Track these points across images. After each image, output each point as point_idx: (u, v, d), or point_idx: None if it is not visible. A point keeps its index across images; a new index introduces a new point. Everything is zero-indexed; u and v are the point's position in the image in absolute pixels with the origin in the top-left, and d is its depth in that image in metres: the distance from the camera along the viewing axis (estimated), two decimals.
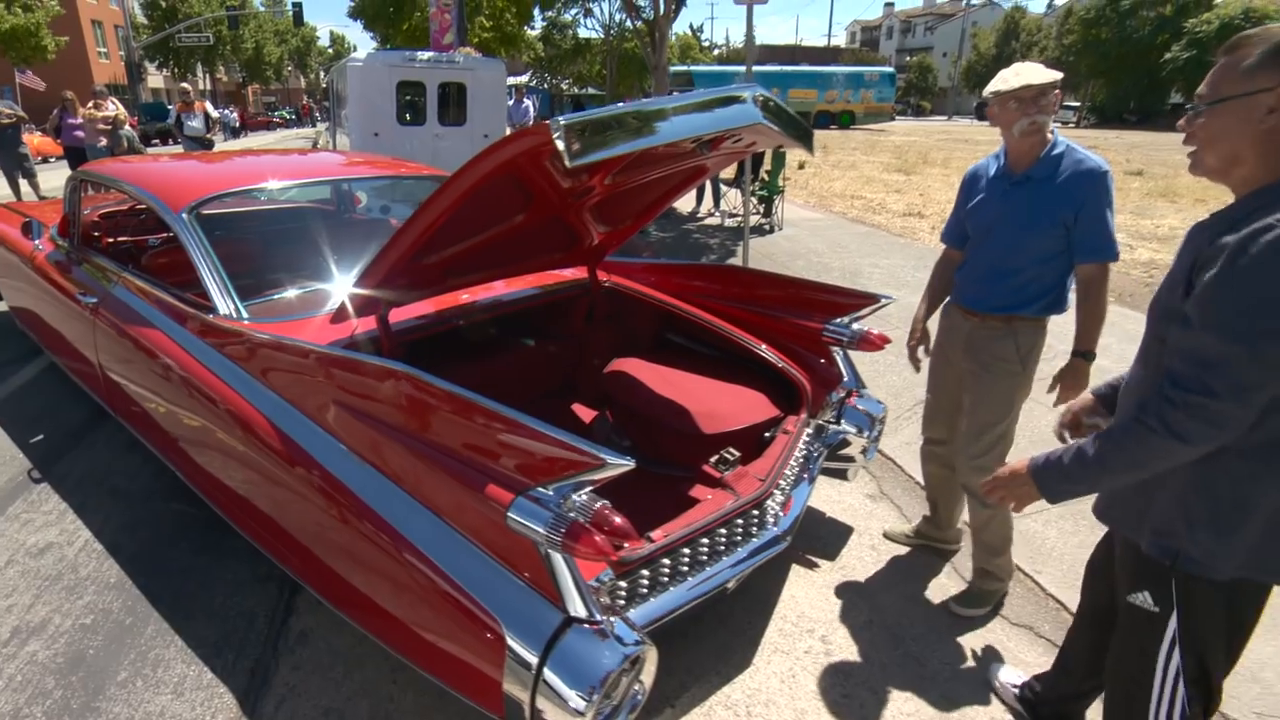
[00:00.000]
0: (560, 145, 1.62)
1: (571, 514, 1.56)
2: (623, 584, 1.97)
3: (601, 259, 3.38)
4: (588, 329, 3.51)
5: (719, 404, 2.85)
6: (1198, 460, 1.38)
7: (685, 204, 11.06)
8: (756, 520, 2.33)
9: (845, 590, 2.78)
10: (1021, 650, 2.51)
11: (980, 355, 2.52)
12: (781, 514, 2.44)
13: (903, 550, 3.03)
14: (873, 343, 2.89)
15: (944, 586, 2.82)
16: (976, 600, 2.68)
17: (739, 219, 9.44)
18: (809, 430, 2.86)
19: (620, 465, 1.51)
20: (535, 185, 2.30)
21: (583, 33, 33.87)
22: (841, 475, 3.05)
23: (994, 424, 2.51)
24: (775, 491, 2.45)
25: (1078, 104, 45.69)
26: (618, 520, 1.58)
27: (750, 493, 2.33)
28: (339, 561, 2.05)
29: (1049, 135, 2.32)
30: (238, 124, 36.99)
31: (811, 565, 2.92)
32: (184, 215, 2.95)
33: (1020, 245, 2.38)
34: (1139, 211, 10.97)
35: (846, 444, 2.95)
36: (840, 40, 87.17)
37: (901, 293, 6.43)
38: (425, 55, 9.75)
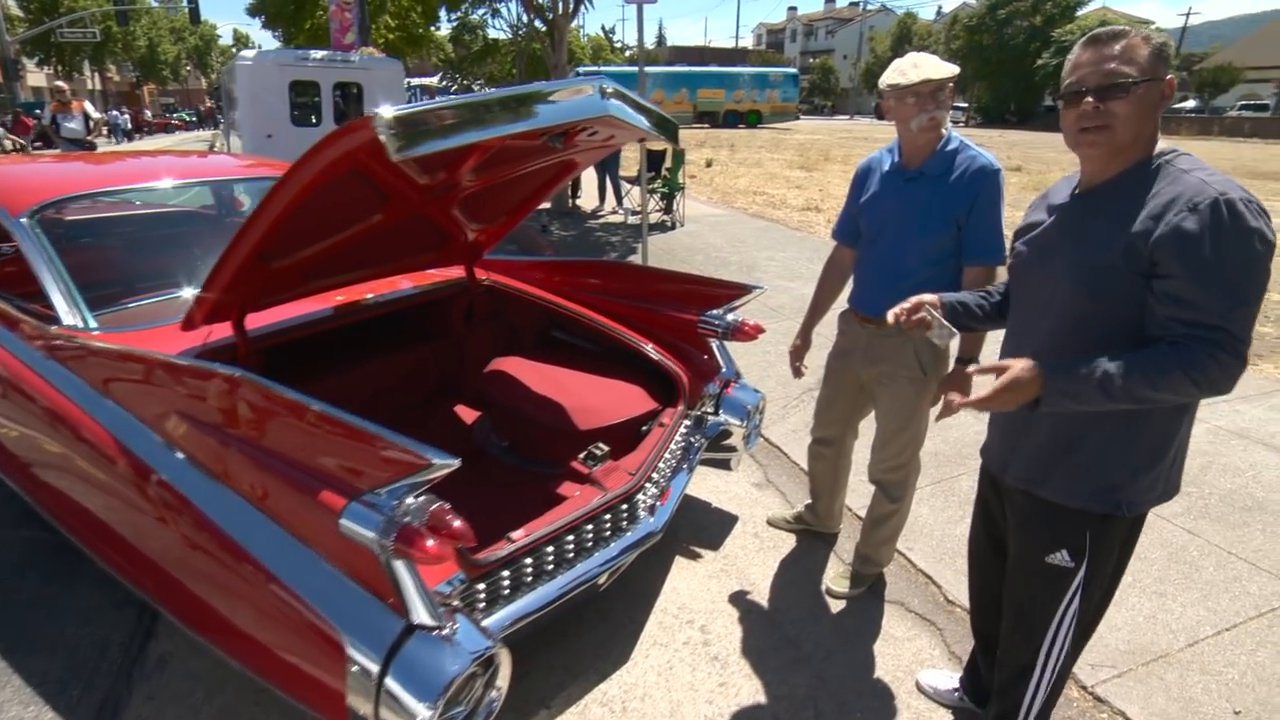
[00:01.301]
0: (384, 138, 1.55)
1: (405, 518, 1.49)
2: (481, 586, 1.90)
3: (479, 257, 3.29)
4: (468, 329, 3.42)
5: (596, 400, 2.81)
6: (1129, 415, 1.47)
7: (588, 201, 11.01)
8: (627, 515, 2.30)
9: (727, 579, 2.78)
10: (892, 626, 2.56)
11: (881, 364, 2.46)
12: (658, 506, 2.43)
13: (786, 536, 3.06)
14: (746, 333, 2.91)
15: (824, 571, 2.85)
16: (854, 581, 2.72)
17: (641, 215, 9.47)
18: (687, 422, 2.84)
19: (446, 465, 1.45)
20: (387, 184, 2.21)
21: (493, 33, 33.35)
22: (725, 465, 3.05)
23: (901, 430, 2.50)
24: (647, 485, 2.41)
25: (965, 104, 47.84)
26: (456, 523, 1.52)
27: (619, 487, 2.30)
28: (189, 579, 1.91)
29: (944, 131, 2.28)
30: (130, 126, 34.81)
31: (694, 556, 2.91)
32: (23, 220, 2.72)
33: (913, 245, 2.33)
34: (1016, 204, 11.50)
35: (728, 434, 2.95)
36: (747, 42, 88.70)
37: (795, 284, 6.56)
38: (319, 54, 9.38)
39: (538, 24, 10.08)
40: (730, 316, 2.94)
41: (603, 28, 61.92)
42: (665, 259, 7.45)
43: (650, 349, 2.96)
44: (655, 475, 2.49)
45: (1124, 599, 2.60)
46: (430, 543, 1.46)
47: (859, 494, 3.02)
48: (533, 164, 2.60)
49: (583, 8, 9.81)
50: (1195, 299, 1.33)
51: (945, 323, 1.71)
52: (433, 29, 29.42)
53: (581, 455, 2.46)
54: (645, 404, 2.81)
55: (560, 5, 9.26)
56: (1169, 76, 1.41)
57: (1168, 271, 1.35)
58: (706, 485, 3.38)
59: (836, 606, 2.65)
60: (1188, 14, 53.71)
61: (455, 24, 36.44)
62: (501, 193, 2.84)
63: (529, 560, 2.02)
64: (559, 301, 3.23)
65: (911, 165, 2.32)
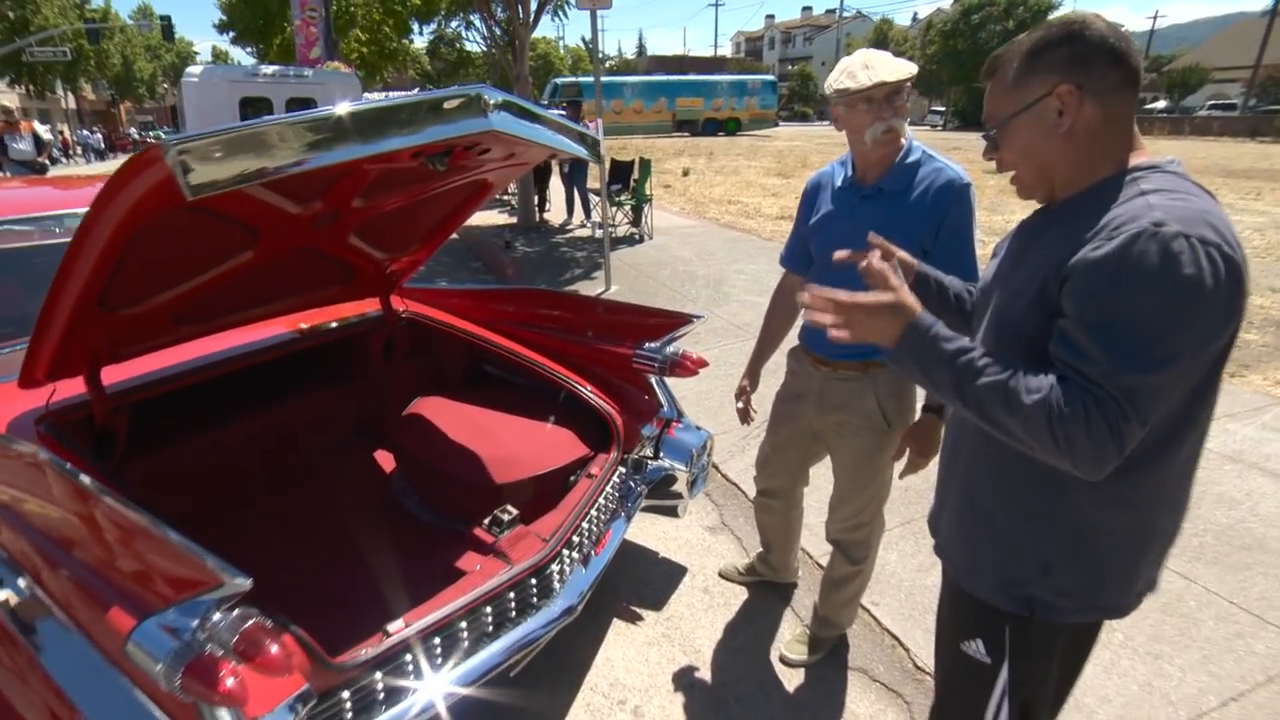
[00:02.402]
0: (176, 175, 1.22)
1: (206, 644, 1.17)
2: (346, 695, 1.57)
3: (395, 287, 2.97)
4: (389, 366, 3.10)
5: (519, 447, 2.50)
6: (1045, 496, 1.18)
7: (557, 215, 10.68)
8: (538, 590, 1.97)
9: (669, 646, 2.46)
10: (855, 699, 2.25)
11: (837, 412, 2.13)
12: (581, 572, 2.11)
13: (739, 590, 2.74)
14: (687, 368, 2.60)
15: (778, 631, 2.54)
16: (812, 647, 2.41)
17: (612, 230, 9.14)
18: (622, 469, 2.53)
19: (238, 586, 1.12)
20: (245, 215, 1.88)
21: (470, 46, 33.04)
22: (671, 513, 2.72)
23: (863, 487, 2.18)
24: (566, 552, 2.10)
25: (943, 109, 47.92)
26: (273, 649, 1.20)
27: (529, 558, 1.98)
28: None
29: (903, 140, 1.95)
30: (103, 145, 34.20)
31: (634, 618, 2.59)
32: None
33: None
34: (993, 208, 11.27)
35: (672, 480, 2.63)
36: (726, 50, 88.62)
37: (763, 299, 6.19)
38: (270, 69, 9.04)
39: (490, 31, 9.74)
40: (669, 349, 2.63)
41: (583, 39, 61.72)
42: (630, 274, 7.14)
43: (582, 387, 2.64)
44: (577, 538, 2.17)
45: (1116, 663, 2.30)
46: (230, 682, 1.14)
47: (818, 536, 2.70)
48: (435, 187, 2.29)
49: (557, 19, 9.49)
50: (1085, 347, 1.01)
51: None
52: (407, 42, 29.11)
53: (486, 521, 2.14)
54: (573, 451, 2.50)
55: (519, 15, 8.94)
56: (1060, 86, 1.09)
57: (1066, 307, 1.05)
58: (654, 531, 3.06)
59: (792, 677, 2.34)
60: (1155, 16, 54.77)
61: (432, 37, 36.27)
62: (408, 218, 2.52)
63: (410, 657, 1.69)
64: (483, 335, 2.91)
65: (867, 181, 2.00)
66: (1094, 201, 1.10)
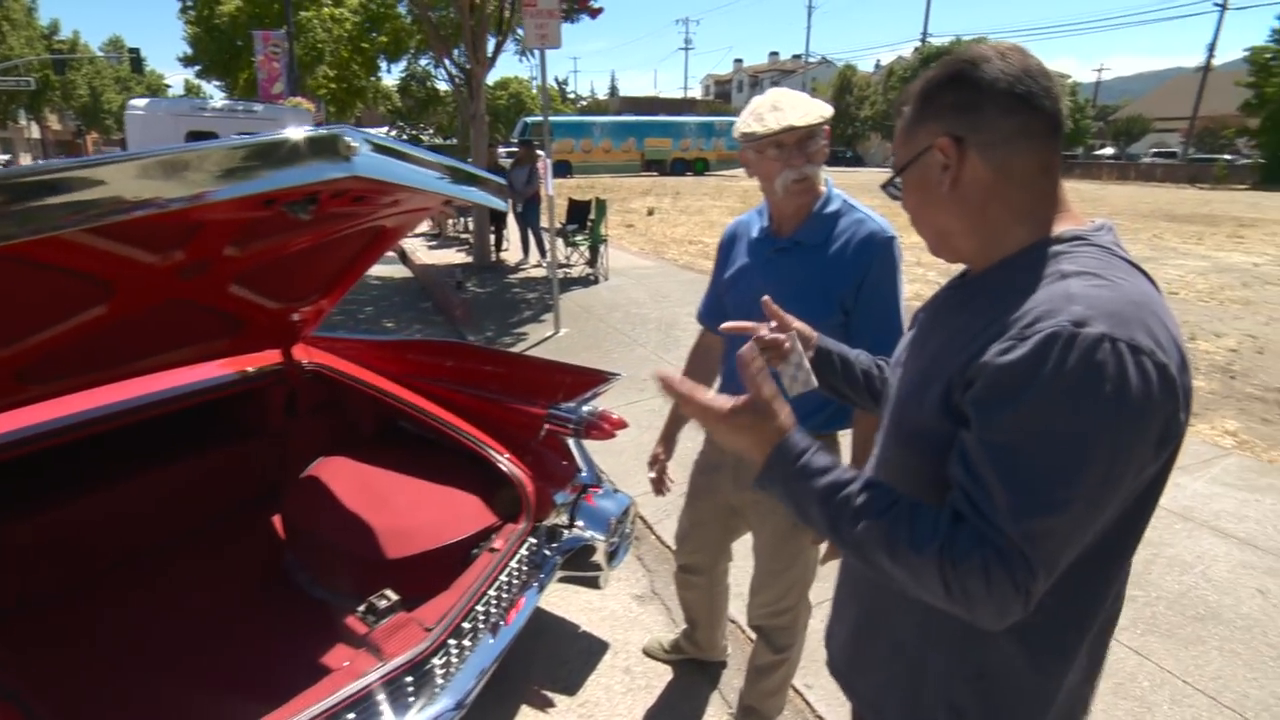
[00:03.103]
0: None
1: None
2: None
3: (300, 338, 2.73)
4: (291, 423, 2.84)
5: (419, 517, 2.26)
6: (964, 642, 0.95)
7: (514, 254, 10.48)
8: (413, 689, 1.72)
9: None
10: None
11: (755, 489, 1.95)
12: (473, 661, 1.86)
13: (664, 670, 2.50)
14: (604, 430, 2.38)
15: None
16: None
17: (566, 270, 8.97)
18: (534, 540, 2.30)
19: None
20: (85, 266, 1.65)
21: (441, 84, 32.99)
22: (592, 584, 2.48)
23: (783, 571, 1.96)
24: (452, 641, 1.85)
25: None
26: None
27: (405, 651, 1.73)
28: None
29: (821, 188, 1.77)
30: None
31: (545, 705, 2.33)
32: None
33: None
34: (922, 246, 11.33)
35: (591, 550, 2.40)
36: (696, 93, 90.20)
37: None
38: (218, 103, 8.82)
39: (444, 69, 9.66)
40: (585, 409, 2.42)
41: (556, 79, 62.48)
42: (581, 316, 6.94)
43: (493, 450, 2.41)
44: (469, 624, 1.93)
45: None
46: None
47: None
48: (326, 234, 2.08)
49: (526, 59, 9.40)
50: (984, 474, 0.80)
51: (808, 368, 1.20)
52: (376, 79, 28.98)
53: (361, 609, 1.89)
54: (478, 521, 2.27)
55: (475, 55, 8.83)
56: (941, 138, 0.91)
57: (968, 416, 0.85)
58: (578, 602, 2.81)
59: None
60: (1100, 70, 57.35)
61: (404, 74, 36.26)
62: (302, 266, 2.30)
63: None
64: (393, 390, 2.67)
65: (783, 232, 1.81)
66: (1007, 280, 0.90)
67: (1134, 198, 23.80)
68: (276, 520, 2.66)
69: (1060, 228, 0.92)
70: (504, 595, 2.09)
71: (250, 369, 2.65)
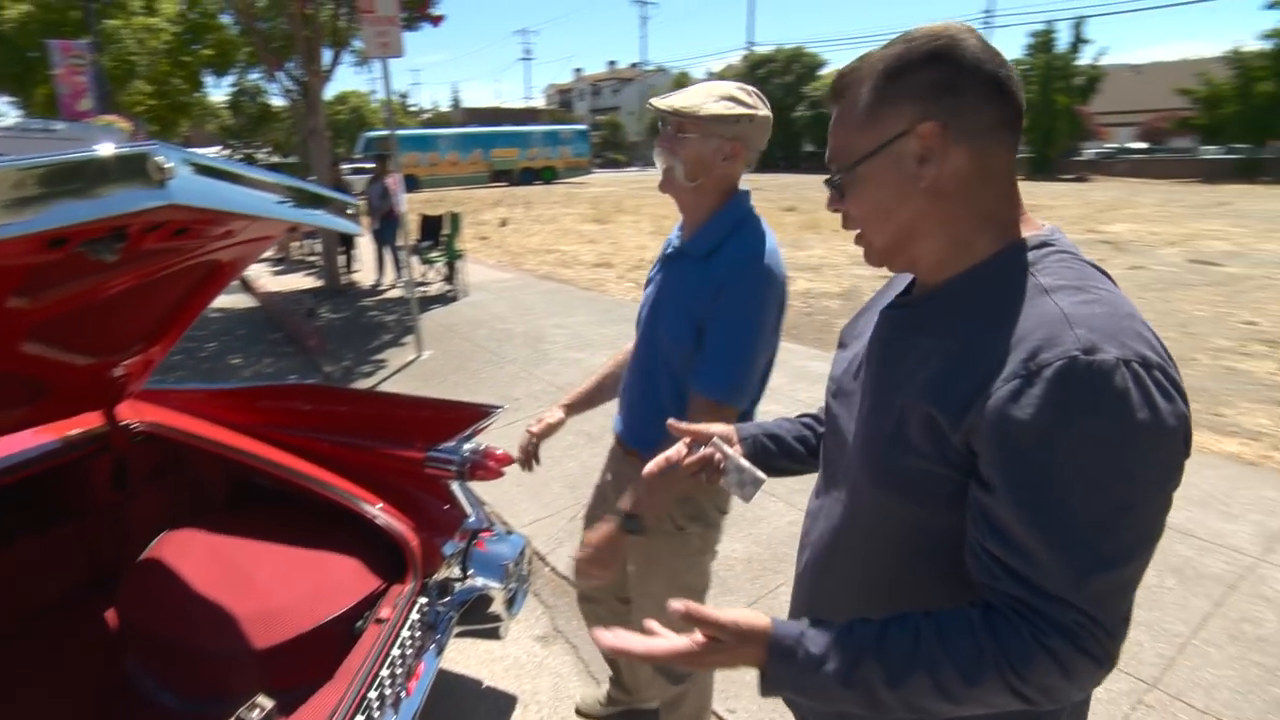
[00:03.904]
0: None
1: None
2: None
3: (125, 396, 2.30)
4: (124, 495, 2.40)
5: (290, 593, 1.93)
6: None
7: (367, 275, 9.83)
8: None
9: None
10: None
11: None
12: None
13: None
14: (490, 469, 2.15)
15: None
16: None
17: (423, 288, 8.50)
18: (424, 600, 2.03)
19: None
20: None
21: (276, 101, 30.60)
22: (492, 635, 2.24)
23: (652, 597, 1.79)
24: None
25: None
26: None
27: None
28: None
29: (732, 196, 1.57)
30: None
31: None
32: None
33: (661, 352, 1.63)
34: (795, 244, 11.79)
35: (488, 600, 2.17)
36: (539, 102, 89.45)
37: (585, 354, 5.92)
38: (8, 122, 7.65)
39: (278, 83, 8.88)
40: (467, 448, 2.17)
41: (397, 92, 60.04)
42: (444, 336, 6.56)
43: (368, 504, 2.12)
44: (363, 715, 1.65)
45: None
46: None
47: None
48: (146, 274, 1.73)
49: (363, 71, 8.76)
50: (1026, 543, 0.70)
51: (748, 466, 1.04)
52: (202, 94, 26.53)
53: None
54: (359, 588, 1.97)
55: (311, 67, 8.17)
56: (923, 123, 0.78)
57: (988, 480, 0.73)
58: (476, 653, 2.55)
59: None
60: None
61: (233, 89, 33.35)
62: (119, 313, 1.91)
63: None
64: (245, 446, 2.30)
65: (686, 235, 1.62)
66: (977, 294, 0.80)
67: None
68: (112, 615, 2.23)
69: (1024, 232, 0.82)
70: (398, 669, 1.83)
71: (55, 440, 2.21)
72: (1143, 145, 35.33)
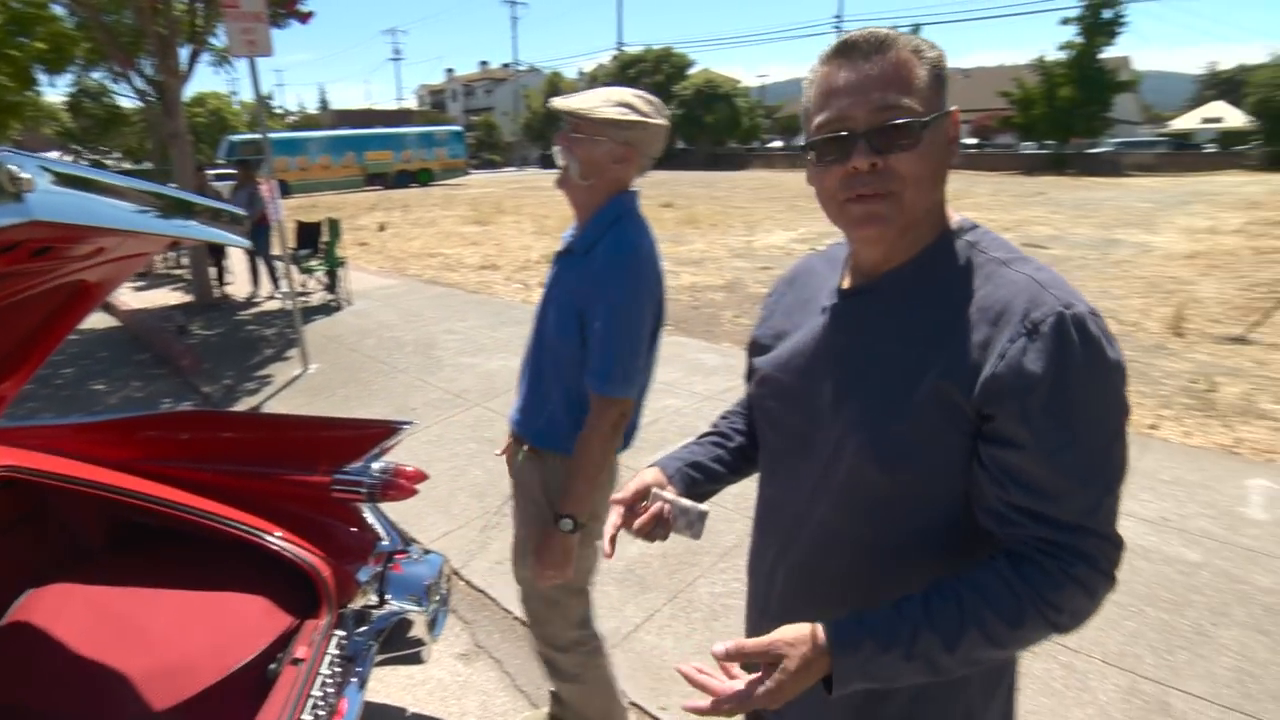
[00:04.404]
0: None
1: None
2: None
3: None
4: None
5: (191, 643, 1.73)
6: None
7: (241, 288, 9.12)
8: None
9: None
10: None
11: (522, 496, 1.80)
12: None
13: None
14: (402, 488, 2.02)
15: None
16: None
17: (305, 299, 7.97)
18: (341, 634, 1.88)
19: None
20: None
21: (122, 101, 27.64)
22: (414, 660, 2.10)
23: (531, 588, 1.81)
24: None
25: None
26: None
27: None
28: None
29: (599, 195, 1.57)
30: None
31: None
32: None
33: (546, 342, 1.65)
34: (675, 239, 11.92)
35: (408, 624, 2.03)
36: (411, 103, 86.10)
37: (480, 359, 5.73)
38: None
39: (141, 86, 8.02)
40: (376, 468, 2.02)
41: (259, 93, 56.50)
42: (330, 348, 6.17)
43: (272, 536, 1.93)
44: None
45: None
46: None
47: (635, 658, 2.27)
48: None
49: (224, 71, 8.01)
50: (1049, 484, 0.77)
51: (689, 504, 1.01)
52: (35, 94, 23.62)
53: None
54: (269, 629, 1.79)
55: (168, 65, 7.42)
56: (953, 107, 0.86)
57: (1010, 437, 0.78)
58: (395, 679, 2.40)
59: None
60: (763, 76, 65.54)
61: (73, 89, 29.83)
62: None
63: None
64: (125, 484, 2.05)
65: (575, 233, 1.64)
66: (939, 272, 0.87)
67: (797, 181, 26.89)
68: None
69: (953, 218, 0.91)
70: (320, 711, 1.68)
71: None
72: (974, 141, 38.23)
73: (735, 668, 0.84)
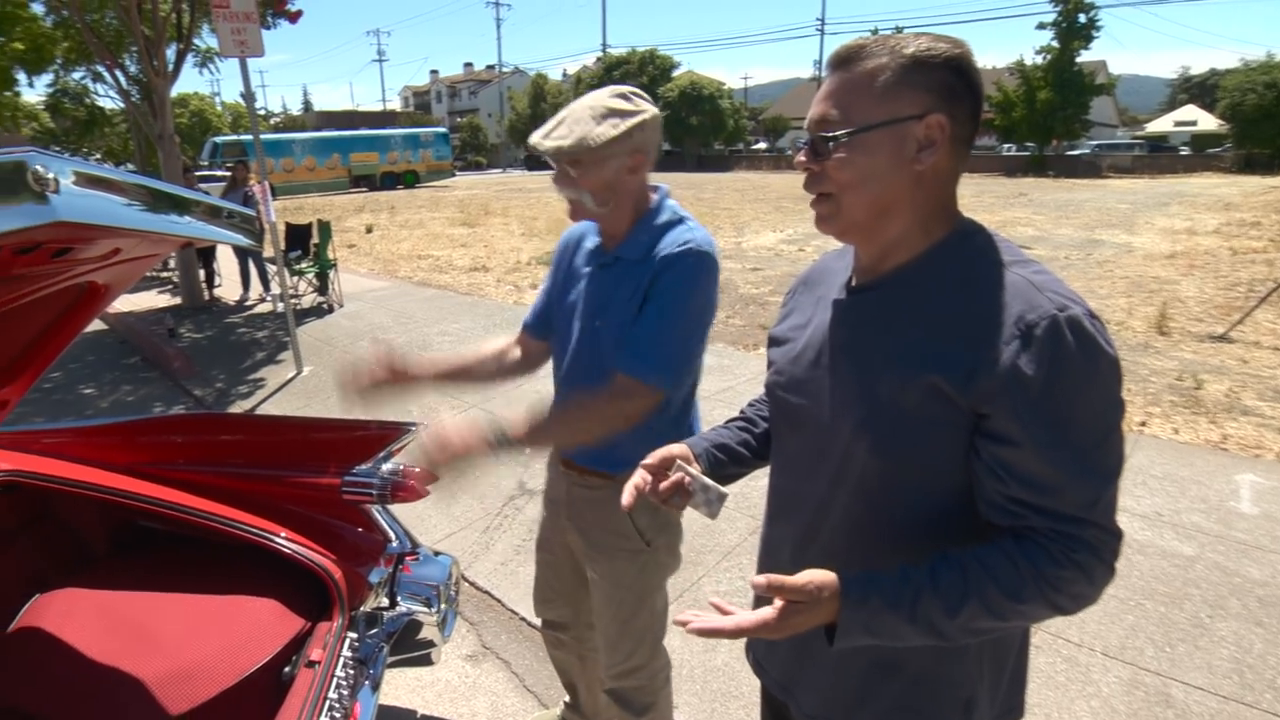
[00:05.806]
0: None
1: None
2: None
3: None
4: None
5: (204, 647, 1.70)
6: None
7: (231, 291, 9.03)
8: None
9: None
10: None
11: (591, 531, 1.65)
12: None
13: None
14: (412, 489, 2.00)
15: None
16: None
17: (295, 301, 7.90)
18: (354, 636, 1.86)
19: None
20: None
21: (103, 101, 27.23)
22: (425, 662, 2.09)
23: (625, 623, 1.69)
24: None
25: None
26: None
27: None
28: None
29: (650, 197, 1.51)
30: None
31: None
32: None
33: (605, 359, 1.50)
34: None
35: (418, 626, 2.02)
36: (395, 105, 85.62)
37: None
38: None
39: (125, 86, 7.91)
40: (386, 469, 2.01)
41: (241, 95, 55.65)
42: (323, 350, 6.12)
43: (283, 539, 1.91)
44: None
45: None
46: None
47: None
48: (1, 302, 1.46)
49: (208, 72, 7.90)
50: (1048, 479, 0.80)
51: (711, 483, 1.02)
52: (15, 94, 23.16)
53: None
54: (282, 632, 1.77)
55: (155, 66, 7.32)
56: (934, 115, 0.83)
57: (1005, 434, 0.81)
58: (403, 681, 2.39)
59: None
60: (746, 78, 65.61)
61: (53, 90, 29.30)
62: None
63: None
64: (131, 488, 2.01)
65: (608, 247, 1.55)
66: (947, 275, 0.88)
67: (789, 184, 27.12)
68: None
69: (962, 221, 0.92)
70: (336, 713, 1.66)
71: None
72: None
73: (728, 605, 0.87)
